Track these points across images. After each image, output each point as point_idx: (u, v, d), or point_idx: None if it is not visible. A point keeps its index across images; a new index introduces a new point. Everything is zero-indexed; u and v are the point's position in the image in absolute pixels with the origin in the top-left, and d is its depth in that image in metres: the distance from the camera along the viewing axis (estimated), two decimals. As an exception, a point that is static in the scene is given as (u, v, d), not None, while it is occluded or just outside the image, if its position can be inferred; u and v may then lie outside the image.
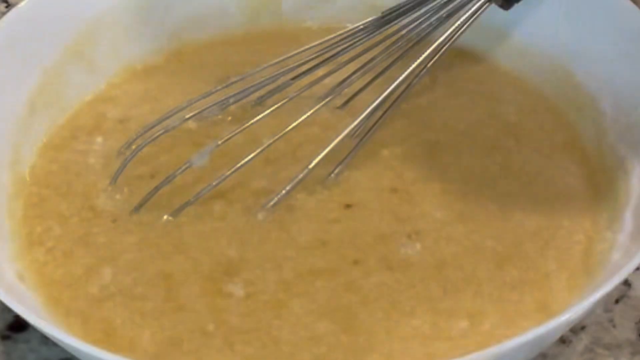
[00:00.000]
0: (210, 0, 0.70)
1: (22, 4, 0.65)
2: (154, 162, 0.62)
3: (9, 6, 0.78)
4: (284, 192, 0.60)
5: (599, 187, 0.61)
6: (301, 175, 0.60)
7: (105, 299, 0.56)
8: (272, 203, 0.59)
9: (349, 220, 0.59)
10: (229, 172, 0.59)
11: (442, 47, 0.63)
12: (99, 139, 0.65)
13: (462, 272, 0.57)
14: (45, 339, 0.57)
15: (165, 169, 0.61)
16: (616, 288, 0.53)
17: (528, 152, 0.63)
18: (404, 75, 0.62)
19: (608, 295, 0.52)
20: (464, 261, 0.57)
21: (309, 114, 0.61)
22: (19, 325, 0.58)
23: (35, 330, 0.56)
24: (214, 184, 0.59)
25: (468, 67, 0.68)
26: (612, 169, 0.60)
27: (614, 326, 0.58)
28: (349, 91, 0.64)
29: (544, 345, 0.55)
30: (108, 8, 0.68)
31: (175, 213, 0.59)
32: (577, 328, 0.58)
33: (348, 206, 0.60)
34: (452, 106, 0.66)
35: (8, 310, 0.51)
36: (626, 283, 0.60)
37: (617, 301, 0.59)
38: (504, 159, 0.63)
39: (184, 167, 0.60)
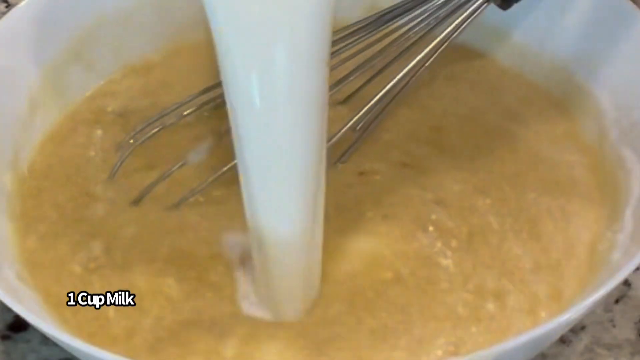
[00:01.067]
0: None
1: (22, 4, 0.65)
2: (152, 154, 0.62)
3: (9, 6, 0.78)
4: None
5: (600, 182, 0.61)
6: None
7: (92, 272, 0.57)
8: None
9: (367, 185, 0.60)
10: (227, 167, 0.59)
11: (439, 47, 0.63)
12: (99, 133, 0.65)
13: (488, 247, 0.57)
14: (45, 339, 0.57)
15: (163, 161, 0.61)
16: (616, 288, 0.53)
17: (532, 137, 0.63)
18: (402, 73, 0.62)
19: (608, 295, 0.52)
20: (489, 236, 0.58)
21: None
22: (19, 325, 0.58)
23: (35, 330, 0.56)
24: (216, 175, 0.59)
25: (467, 63, 0.68)
26: (612, 169, 0.60)
27: (614, 326, 0.58)
28: (349, 88, 0.64)
29: (544, 345, 0.55)
30: (107, 8, 0.68)
31: (173, 205, 0.59)
32: (577, 328, 0.58)
33: (361, 173, 0.61)
34: (452, 94, 0.66)
35: (8, 310, 0.51)
36: (626, 283, 0.60)
37: (617, 301, 0.59)
38: (508, 142, 0.63)
39: (179, 164, 0.59)
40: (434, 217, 0.58)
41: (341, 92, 0.64)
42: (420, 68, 0.63)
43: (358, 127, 0.62)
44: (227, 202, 0.59)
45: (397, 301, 0.55)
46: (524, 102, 0.66)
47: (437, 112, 0.65)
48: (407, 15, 0.64)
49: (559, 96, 0.66)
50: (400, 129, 0.64)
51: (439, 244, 0.57)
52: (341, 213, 0.58)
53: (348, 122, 0.61)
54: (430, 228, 0.58)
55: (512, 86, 0.67)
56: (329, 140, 0.59)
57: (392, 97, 0.63)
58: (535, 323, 0.54)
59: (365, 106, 0.61)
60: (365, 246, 0.57)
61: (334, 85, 0.63)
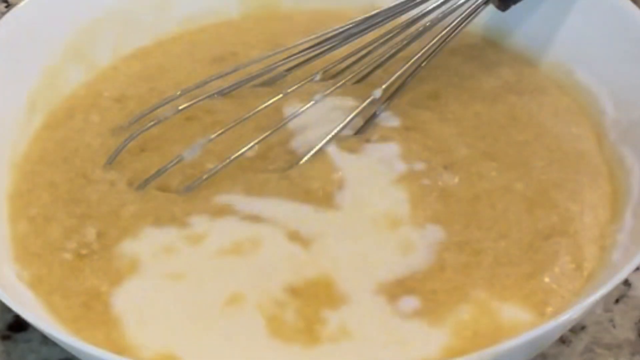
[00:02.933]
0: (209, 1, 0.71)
1: (22, 4, 0.65)
2: (144, 135, 0.62)
3: (9, 6, 0.78)
4: (319, 145, 0.60)
5: (606, 157, 0.61)
6: (334, 133, 0.61)
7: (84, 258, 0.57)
8: (310, 155, 0.60)
9: (377, 150, 0.61)
10: (236, 154, 0.59)
11: (437, 47, 0.63)
12: (96, 118, 0.65)
13: (493, 210, 0.58)
14: (45, 339, 0.57)
15: (155, 142, 0.62)
16: (616, 288, 0.53)
17: (533, 107, 0.64)
18: (396, 76, 0.62)
19: (608, 295, 0.52)
20: (495, 200, 0.58)
21: (332, 89, 0.61)
22: (19, 325, 0.58)
23: (35, 330, 0.56)
24: (227, 161, 0.59)
25: (462, 41, 0.67)
26: (612, 169, 0.60)
27: (614, 326, 0.58)
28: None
29: (543, 345, 0.55)
30: (106, 7, 0.68)
31: (182, 190, 0.59)
32: (577, 328, 0.58)
33: (367, 141, 0.61)
34: (445, 64, 0.66)
35: (8, 310, 0.51)
36: (626, 283, 0.60)
37: (617, 301, 0.59)
38: (509, 110, 0.63)
39: (175, 161, 0.59)
40: (443, 178, 0.59)
41: (356, 74, 0.64)
42: (416, 70, 0.63)
43: (377, 98, 0.62)
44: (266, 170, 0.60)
45: None
46: (523, 76, 0.66)
47: (431, 81, 0.65)
48: (403, 16, 0.64)
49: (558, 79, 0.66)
50: (401, 96, 0.64)
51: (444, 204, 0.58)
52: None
53: (367, 99, 0.62)
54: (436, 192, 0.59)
55: (509, 61, 0.67)
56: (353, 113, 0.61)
57: (403, 80, 0.63)
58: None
59: (383, 84, 0.62)
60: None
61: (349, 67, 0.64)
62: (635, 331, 0.58)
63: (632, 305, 0.59)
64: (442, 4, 0.64)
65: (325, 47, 0.64)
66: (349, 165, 0.60)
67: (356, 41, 0.64)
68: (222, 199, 0.59)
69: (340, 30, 0.64)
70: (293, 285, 0.54)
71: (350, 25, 0.64)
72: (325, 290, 0.54)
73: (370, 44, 0.64)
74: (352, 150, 0.61)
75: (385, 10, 0.64)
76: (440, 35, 0.63)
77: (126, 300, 0.54)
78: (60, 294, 0.55)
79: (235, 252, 0.56)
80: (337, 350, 0.52)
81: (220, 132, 0.60)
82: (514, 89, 0.65)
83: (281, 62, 0.64)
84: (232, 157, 0.59)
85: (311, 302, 0.54)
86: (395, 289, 0.54)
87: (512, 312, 0.53)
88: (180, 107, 0.62)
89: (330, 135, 0.60)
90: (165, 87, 0.65)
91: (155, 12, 0.70)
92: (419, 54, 0.63)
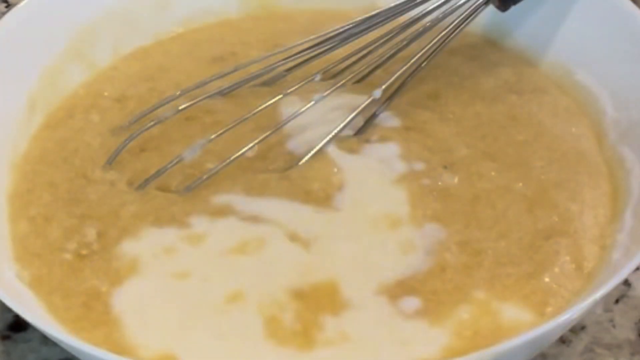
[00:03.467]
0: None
1: (22, 4, 0.65)
2: (144, 135, 0.62)
3: (9, 6, 0.78)
4: (319, 146, 0.60)
5: (606, 156, 0.61)
6: (334, 133, 0.60)
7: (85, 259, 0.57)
8: (310, 155, 0.60)
9: (377, 150, 0.60)
10: (236, 154, 0.59)
11: (437, 47, 0.63)
12: (96, 118, 0.65)
13: (493, 210, 0.58)
14: (45, 339, 0.57)
15: (155, 142, 0.62)
16: (616, 288, 0.53)
17: (533, 107, 0.64)
18: (396, 76, 0.62)
19: (608, 295, 0.52)
20: (495, 199, 0.58)
21: (332, 89, 0.61)
22: (19, 325, 0.58)
23: (35, 330, 0.56)
24: (227, 161, 0.59)
25: (462, 40, 0.67)
26: (612, 169, 0.60)
27: (614, 326, 0.58)
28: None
29: (543, 345, 0.55)
30: (106, 7, 0.68)
31: (181, 190, 0.59)
32: (577, 328, 0.58)
33: (367, 141, 0.61)
34: (445, 64, 0.66)
35: (8, 310, 0.51)
36: (626, 283, 0.60)
37: (617, 301, 0.59)
38: (509, 110, 0.63)
39: (175, 161, 0.59)
40: (443, 179, 0.59)
41: (356, 74, 0.64)
42: (416, 70, 0.63)
43: (377, 98, 0.62)
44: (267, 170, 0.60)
45: None
46: (523, 76, 0.66)
47: (431, 81, 0.65)
48: (403, 16, 0.64)
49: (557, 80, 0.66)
50: (401, 95, 0.64)
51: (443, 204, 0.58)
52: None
53: (367, 99, 0.61)
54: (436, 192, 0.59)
55: (509, 61, 0.67)
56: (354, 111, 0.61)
57: (403, 80, 0.63)
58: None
59: (383, 84, 0.62)
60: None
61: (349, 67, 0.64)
62: (635, 331, 0.58)
63: (632, 305, 0.59)
64: (442, 4, 0.64)
65: (325, 47, 0.64)
66: (349, 165, 0.60)
67: (356, 41, 0.64)
68: (222, 199, 0.59)
69: (340, 30, 0.64)
70: (295, 288, 0.54)
71: (350, 25, 0.64)
72: (328, 296, 0.54)
73: (370, 44, 0.64)
74: (352, 150, 0.61)
75: (385, 11, 0.64)
76: (440, 36, 0.63)
77: (126, 300, 0.54)
78: (60, 294, 0.55)
79: (235, 253, 0.56)
80: (337, 350, 0.52)
81: (220, 132, 0.60)
82: (514, 89, 0.65)
83: (281, 62, 0.64)
84: (232, 157, 0.59)
85: (312, 306, 0.54)
86: (396, 289, 0.54)
87: (512, 312, 0.53)
88: (180, 107, 0.62)
89: (330, 136, 0.61)
90: (165, 87, 0.65)
91: (155, 12, 0.70)
92: (419, 54, 0.63)
